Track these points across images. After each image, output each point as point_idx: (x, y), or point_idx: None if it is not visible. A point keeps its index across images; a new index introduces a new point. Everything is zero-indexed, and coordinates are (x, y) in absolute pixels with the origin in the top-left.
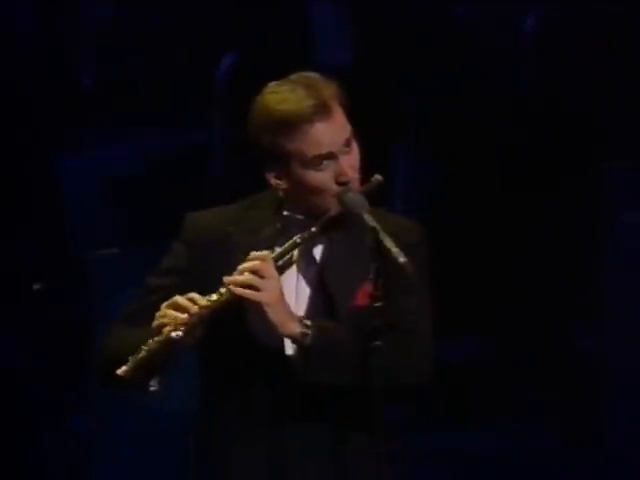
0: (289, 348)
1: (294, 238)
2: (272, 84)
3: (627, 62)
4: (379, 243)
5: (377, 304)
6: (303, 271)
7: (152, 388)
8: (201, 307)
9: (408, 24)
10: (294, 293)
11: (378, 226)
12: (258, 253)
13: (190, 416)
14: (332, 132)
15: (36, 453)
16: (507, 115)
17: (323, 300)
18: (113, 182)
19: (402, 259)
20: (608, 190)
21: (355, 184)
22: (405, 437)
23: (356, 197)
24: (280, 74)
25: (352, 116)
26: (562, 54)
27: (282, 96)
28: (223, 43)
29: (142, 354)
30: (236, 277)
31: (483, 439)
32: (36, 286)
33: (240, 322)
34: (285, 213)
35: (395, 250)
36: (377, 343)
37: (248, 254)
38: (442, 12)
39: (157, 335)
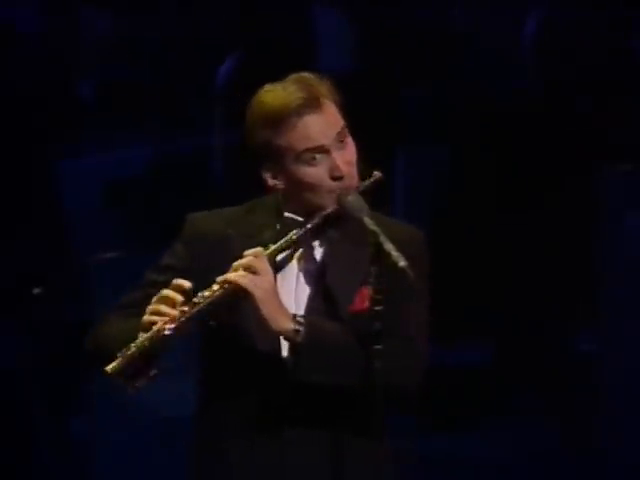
0: (285, 350)
1: (289, 235)
2: (267, 85)
3: (627, 64)
4: (379, 247)
5: (377, 308)
6: (303, 272)
7: (137, 384)
8: (193, 304)
9: (408, 27)
10: (293, 293)
11: (378, 229)
12: (252, 250)
13: (187, 420)
14: (322, 125)
15: (35, 455)
16: (507, 117)
17: (323, 301)
18: (114, 186)
19: (402, 263)
20: (609, 193)
21: (352, 180)
22: (403, 441)
23: (356, 200)
24: (281, 77)
25: (353, 120)
26: (563, 56)
27: (274, 93)
28: (224, 46)
29: (131, 350)
30: (229, 274)
31: (482, 443)
32: (36, 290)
33: (236, 325)
34: (285, 214)
35: (395, 254)
36: (378, 347)
37: None
38: (442, 15)
39: (147, 330)
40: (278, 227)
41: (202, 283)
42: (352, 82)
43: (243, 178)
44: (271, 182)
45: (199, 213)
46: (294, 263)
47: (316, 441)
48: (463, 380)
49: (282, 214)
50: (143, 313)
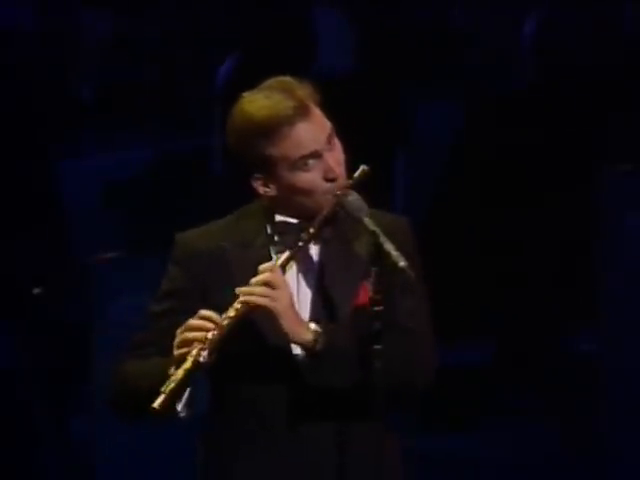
0: (296, 348)
1: (298, 244)
2: (247, 93)
3: (627, 64)
4: (379, 247)
5: (377, 308)
6: (303, 273)
7: (182, 414)
8: (221, 327)
9: (408, 27)
10: (295, 295)
11: (378, 230)
12: (266, 265)
13: (187, 420)
14: (313, 131)
15: (35, 455)
16: (507, 117)
17: (323, 301)
18: (114, 186)
19: (402, 263)
20: (609, 193)
21: (342, 179)
22: (403, 441)
23: (356, 200)
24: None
25: (353, 120)
26: (562, 56)
27: (259, 103)
28: (224, 46)
29: (172, 385)
30: (249, 294)
31: (482, 443)
32: (36, 290)
33: (247, 324)
34: (278, 218)
35: (395, 254)
36: (377, 347)
37: (244, 267)
38: (442, 15)
39: (180, 363)
40: (269, 231)
41: (205, 300)
42: (352, 82)
43: (242, 178)
44: (262, 190)
45: (187, 232)
46: (292, 264)
47: (323, 436)
48: (463, 380)
49: (271, 218)
50: (159, 347)
